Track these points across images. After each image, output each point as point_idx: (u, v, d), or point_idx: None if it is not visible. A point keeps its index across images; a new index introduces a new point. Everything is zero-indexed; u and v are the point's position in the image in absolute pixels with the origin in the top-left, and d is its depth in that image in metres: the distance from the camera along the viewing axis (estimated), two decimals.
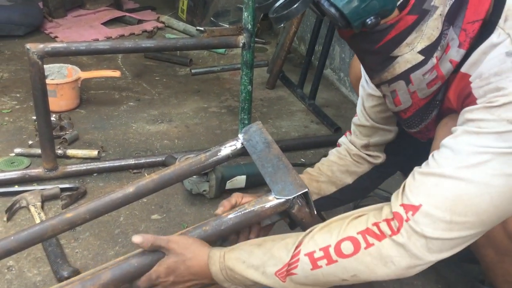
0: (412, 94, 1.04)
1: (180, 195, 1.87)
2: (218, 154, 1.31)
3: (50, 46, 1.73)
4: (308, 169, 1.44)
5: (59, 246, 1.56)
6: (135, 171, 2.00)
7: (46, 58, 1.72)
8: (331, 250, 0.98)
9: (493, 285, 1.25)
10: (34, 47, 1.70)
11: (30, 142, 2.12)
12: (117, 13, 3.72)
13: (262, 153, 1.26)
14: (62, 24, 3.52)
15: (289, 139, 2.32)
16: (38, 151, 1.97)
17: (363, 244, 0.96)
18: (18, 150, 2.06)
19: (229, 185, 1.86)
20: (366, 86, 1.35)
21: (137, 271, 1.13)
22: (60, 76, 2.52)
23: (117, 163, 2.00)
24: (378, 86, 1.08)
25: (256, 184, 1.90)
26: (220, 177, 1.83)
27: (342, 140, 1.48)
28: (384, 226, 0.95)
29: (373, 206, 1.04)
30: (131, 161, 2.01)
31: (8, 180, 1.86)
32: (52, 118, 1.92)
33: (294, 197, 1.16)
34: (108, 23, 3.61)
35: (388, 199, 1.02)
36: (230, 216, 1.17)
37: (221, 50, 3.27)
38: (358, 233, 0.97)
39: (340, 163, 1.43)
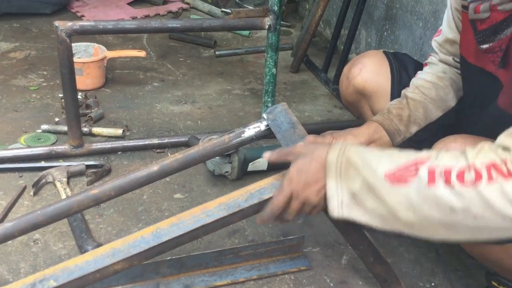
0: (492, 7, 1.08)
1: (202, 176, 1.89)
2: (242, 135, 1.31)
3: (78, 24, 1.74)
4: (408, 93, 1.40)
5: (84, 222, 1.59)
6: (158, 150, 2.02)
7: (74, 36, 1.74)
8: (453, 174, 0.91)
9: None
10: (63, 24, 1.72)
11: (57, 119, 2.15)
12: None
13: (287, 133, 1.27)
14: (88, 3, 3.55)
15: (312, 123, 2.32)
16: (64, 128, 2.00)
17: (485, 177, 0.88)
18: (44, 126, 2.09)
19: (251, 167, 1.87)
20: None
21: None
22: (87, 55, 2.54)
23: (141, 142, 2.02)
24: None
25: (278, 167, 1.90)
26: (242, 159, 1.83)
27: (433, 59, 1.46)
28: None
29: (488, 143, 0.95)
30: (155, 141, 2.03)
31: (35, 155, 1.90)
32: (78, 96, 1.95)
33: None
34: (133, 3, 3.62)
35: None
36: None
37: (246, 33, 3.26)
38: (483, 165, 0.90)
39: (441, 84, 1.40)
